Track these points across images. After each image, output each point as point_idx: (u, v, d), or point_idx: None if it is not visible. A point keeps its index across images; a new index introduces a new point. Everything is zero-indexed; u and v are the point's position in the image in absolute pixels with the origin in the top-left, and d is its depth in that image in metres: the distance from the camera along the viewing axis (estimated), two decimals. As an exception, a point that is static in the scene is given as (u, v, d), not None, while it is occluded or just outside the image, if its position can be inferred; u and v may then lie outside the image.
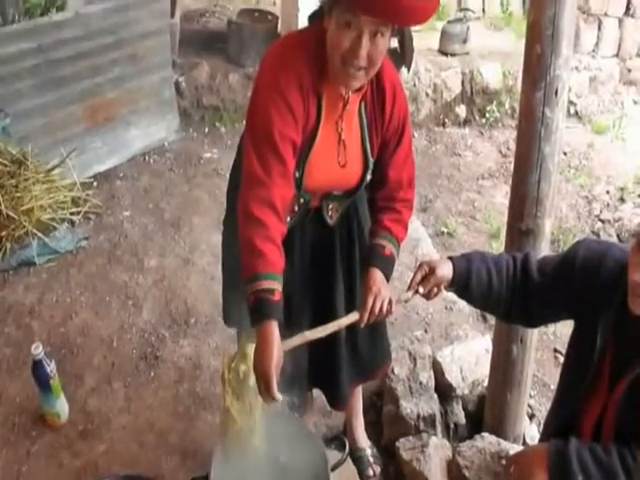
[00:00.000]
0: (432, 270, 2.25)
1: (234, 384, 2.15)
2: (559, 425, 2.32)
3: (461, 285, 2.28)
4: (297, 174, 2.23)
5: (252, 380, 2.09)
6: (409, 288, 2.29)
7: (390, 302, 2.28)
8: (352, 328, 2.57)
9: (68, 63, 4.61)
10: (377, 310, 2.25)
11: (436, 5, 2.02)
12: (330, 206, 2.46)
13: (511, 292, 2.29)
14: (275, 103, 2.09)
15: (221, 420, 2.27)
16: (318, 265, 2.54)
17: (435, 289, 2.28)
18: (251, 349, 2.07)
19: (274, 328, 1.99)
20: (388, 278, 2.34)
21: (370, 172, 2.37)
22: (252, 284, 2.01)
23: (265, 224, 2.04)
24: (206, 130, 5.40)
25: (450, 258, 2.32)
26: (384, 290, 2.28)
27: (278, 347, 1.99)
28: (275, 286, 2.01)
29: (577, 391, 2.22)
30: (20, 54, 4.36)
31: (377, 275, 2.31)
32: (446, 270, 2.26)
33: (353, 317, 2.27)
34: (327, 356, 2.63)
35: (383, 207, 2.42)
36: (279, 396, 1.97)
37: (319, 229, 2.49)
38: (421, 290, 2.27)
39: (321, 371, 2.68)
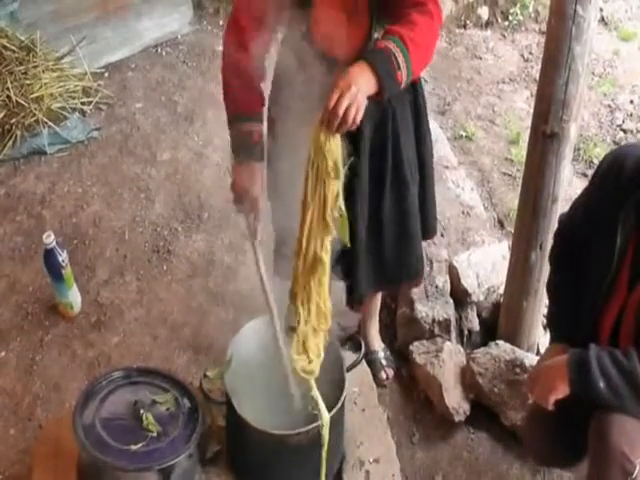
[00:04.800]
0: None
1: None
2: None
3: None
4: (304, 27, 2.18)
5: None
6: None
7: (357, 108, 1.88)
8: (377, 230, 2.54)
9: (78, -54, 4.44)
10: (341, 110, 1.85)
11: None
12: None
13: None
14: None
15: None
16: None
17: None
18: None
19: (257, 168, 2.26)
20: (379, 69, 1.93)
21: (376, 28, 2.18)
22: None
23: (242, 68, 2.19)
24: (220, 23, 5.20)
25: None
26: (355, 85, 1.87)
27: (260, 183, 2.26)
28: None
29: (597, 293, 2.21)
30: None
31: (357, 66, 1.92)
32: None
33: None
34: (345, 253, 2.56)
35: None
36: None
37: None
38: None
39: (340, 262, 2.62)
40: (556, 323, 2.50)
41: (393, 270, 2.71)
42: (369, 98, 1.94)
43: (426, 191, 2.69)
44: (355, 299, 2.73)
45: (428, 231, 2.83)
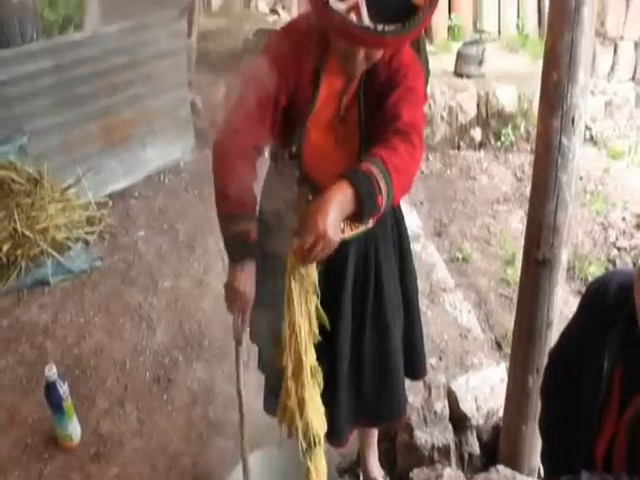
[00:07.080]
0: None
1: None
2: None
3: None
4: (294, 148, 2.20)
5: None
6: None
7: (329, 249, 1.86)
8: (357, 367, 2.54)
9: (85, 82, 4.64)
10: (315, 254, 1.84)
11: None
12: None
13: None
14: (268, 60, 2.09)
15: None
16: (326, 293, 2.12)
17: None
18: None
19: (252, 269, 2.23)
20: (361, 191, 1.88)
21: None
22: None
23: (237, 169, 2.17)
24: (221, 150, 5.38)
25: None
26: (330, 227, 1.82)
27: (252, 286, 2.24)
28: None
29: (589, 420, 2.21)
30: (38, 73, 4.39)
31: (338, 187, 1.86)
32: None
33: None
34: (326, 388, 2.39)
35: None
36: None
37: None
38: None
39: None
40: (550, 460, 2.50)
41: (373, 407, 2.67)
42: (348, 219, 1.95)
43: (412, 331, 2.69)
44: (335, 434, 2.61)
45: (417, 372, 2.83)
